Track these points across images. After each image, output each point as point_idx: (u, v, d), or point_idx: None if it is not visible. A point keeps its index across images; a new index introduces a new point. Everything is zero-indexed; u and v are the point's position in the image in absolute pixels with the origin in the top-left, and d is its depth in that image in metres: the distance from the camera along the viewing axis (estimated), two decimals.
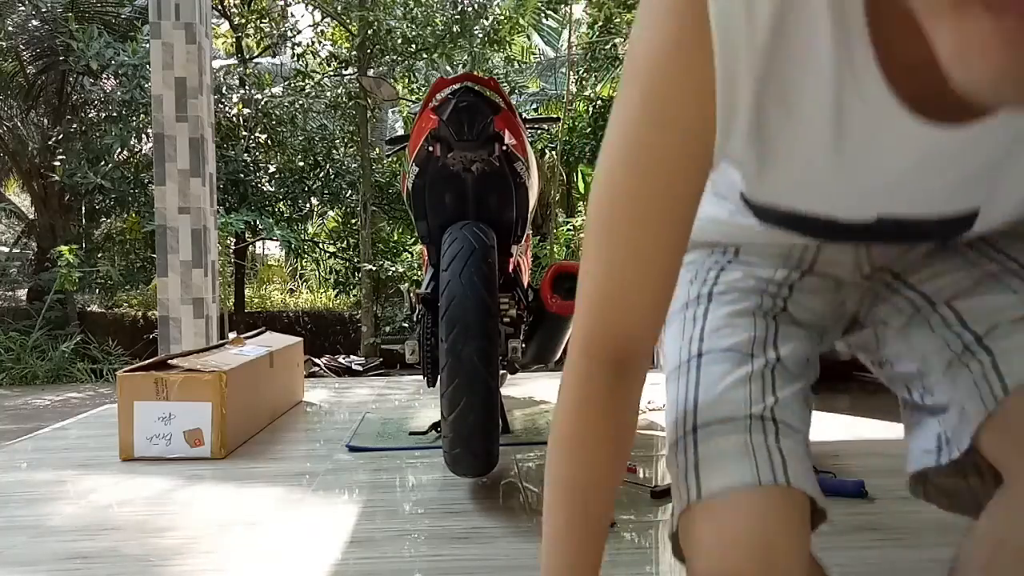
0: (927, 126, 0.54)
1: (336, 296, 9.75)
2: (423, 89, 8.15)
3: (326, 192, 8.62)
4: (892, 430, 2.42)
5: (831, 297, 0.87)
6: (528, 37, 10.08)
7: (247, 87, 8.15)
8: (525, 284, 2.39)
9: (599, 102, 8.59)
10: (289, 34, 8.54)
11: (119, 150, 7.81)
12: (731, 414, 0.73)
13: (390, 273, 8.01)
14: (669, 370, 0.82)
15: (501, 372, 2.17)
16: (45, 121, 8.85)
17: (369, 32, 7.74)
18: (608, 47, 8.60)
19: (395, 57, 8.10)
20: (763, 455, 0.69)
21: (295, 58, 8.58)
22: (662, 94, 0.58)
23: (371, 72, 8.00)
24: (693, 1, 0.54)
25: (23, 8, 8.20)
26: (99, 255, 9.09)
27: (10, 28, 8.22)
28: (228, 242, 7.94)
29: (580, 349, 0.69)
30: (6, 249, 9.88)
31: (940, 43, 0.41)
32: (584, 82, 9.32)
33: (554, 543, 0.72)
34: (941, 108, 0.53)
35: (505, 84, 8.04)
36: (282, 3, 8.71)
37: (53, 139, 8.37)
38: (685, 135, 0.59)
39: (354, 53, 8.24)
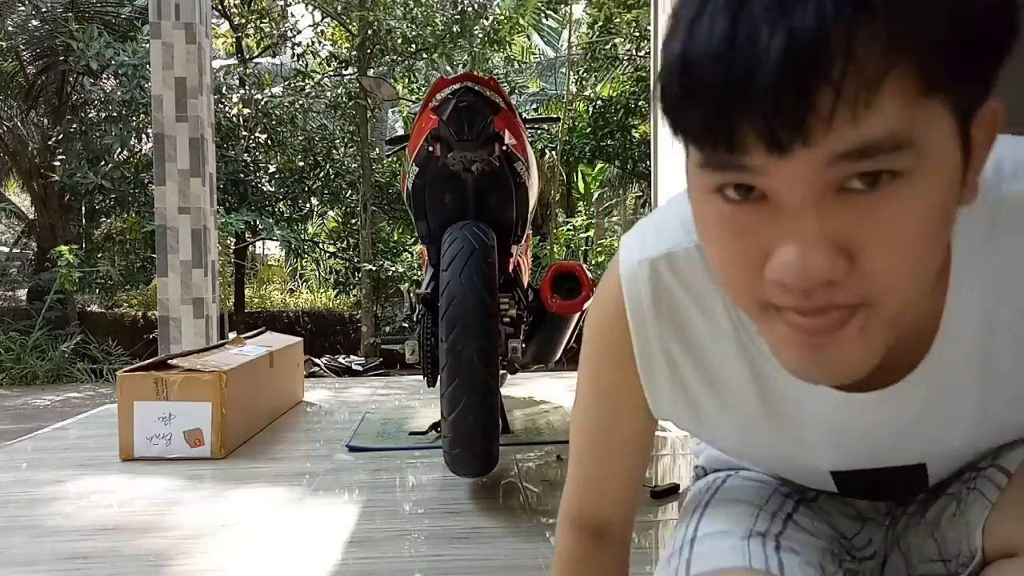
0: (841, 393, 0.61)
1: (336, 296, 9.75)
2: (423, 89, 8.15)
3: (326, 192, 8.62)
4: None
5: (850, 524, 0.83)
6: (528, 37, 10.08)
7: (247, 87, 8.15)
8: (525, 284, 2.39)
9: (599, 102, 8.59)
10: (289, 34, 8.54)
11: (119, 150, 7.82)
12: (729, 528, 0.74)
13: (390, 273, 8.02)
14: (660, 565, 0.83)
15: (501, 372, 2.17)
16: (45, 121, 8.85)
17: (369, 32, 7.75)
18: (608, 47, 8.61)
19: (395, 57, 8.10)
20: (758, 552, 0.70)
21: (295, 58, 8.58)
22: (603, 375, 0.73)
23: (371, 72, 8.00)
24: (616, 295, 0.67)
25: (23, 8, 8.20)
26: (99, 255, 9.09)
27: (10, 28, 8.22)
28: (228, 242, 7.94)
29: (566, 519, 0.82)
30: (6, 249, 9.88)
31: (765, 337, 0.50)
32: (584, 82, 9.32)
33: None
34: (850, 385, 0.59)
35: (505, 84, 8.04)
36: (282, 3, 8.71)
37: (53, 139, 8.37)
38: (621, 398, 0.73)
39: (354, 53, 8.25)
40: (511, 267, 2.28)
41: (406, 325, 7.79)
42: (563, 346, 2.56)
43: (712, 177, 0.46)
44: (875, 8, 0.39)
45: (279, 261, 11.94)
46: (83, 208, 9.16)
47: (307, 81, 8.34)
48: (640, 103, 8.14)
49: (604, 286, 0.71)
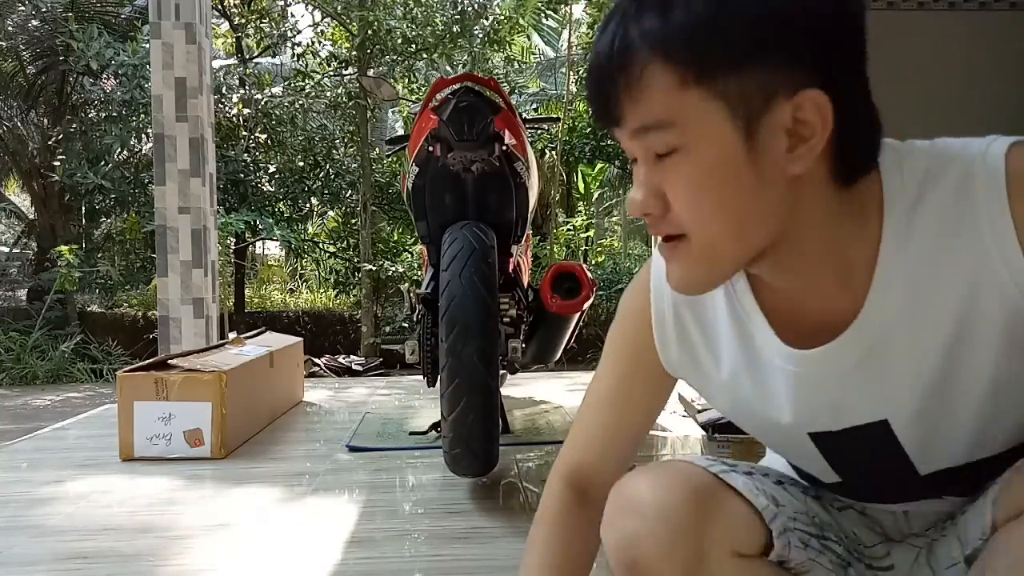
0: (793, 349, 0.71)
1: (336, 296, 9.75)
2: (423, 89, 8.14)
3: (326, 192, 8.61)
4: None
5: (870, 535, 0.85)
6: (528, 37, 10.07)
7: (247, 87, 8.15)
8: (525, 284, 2.39)
9: None
10: (289, 34, 8.53)
11: (119, 150, 7.81)
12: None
13: (390, 273, 8.01)
14: None
15: (501, 372, 2.17)
16: (45, 121, 8.84)
17: (369, 32, 7.74)
18: None
19: (395, 57, 8.10)
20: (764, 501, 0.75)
21: (295, 58, 8.58)
22: (624, 333, 0.86)
23: (371, 72, 8.00)
24: (646, 269, 0.83)
25: (23, 8, 8.20)
26: (99, 255, 9.09)
27: (10, 28, 8.22)
28: (228, 242, 7.93)
29: (556, 473, 0.91)
30: (6, 249, 9.88)
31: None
32: (584, 82, 9.32)
33: None
34: (800, 338, 0.71)
35: (505, 84, 8.04)
36: (282, 3, 8.71)
37: (53, 139, 8.37)
38: (636, 351, 0.84)
39: (354, 53, 8.24)
40: (511, 267, 2.28)
41: (406, 325, 7.78)
42: (563, 346, 2.56)
43: None
44: (637, 38, 0.59)
45: (279, 261, 11.93)
46: (83, 208, 9.15)
47: (307, 81, 8.34)
48: None
49: (644, 267, 0.86)
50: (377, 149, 8.66)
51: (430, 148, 2.10)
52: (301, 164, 8.34)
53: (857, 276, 0.65)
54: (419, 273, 7.74)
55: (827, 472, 0.81)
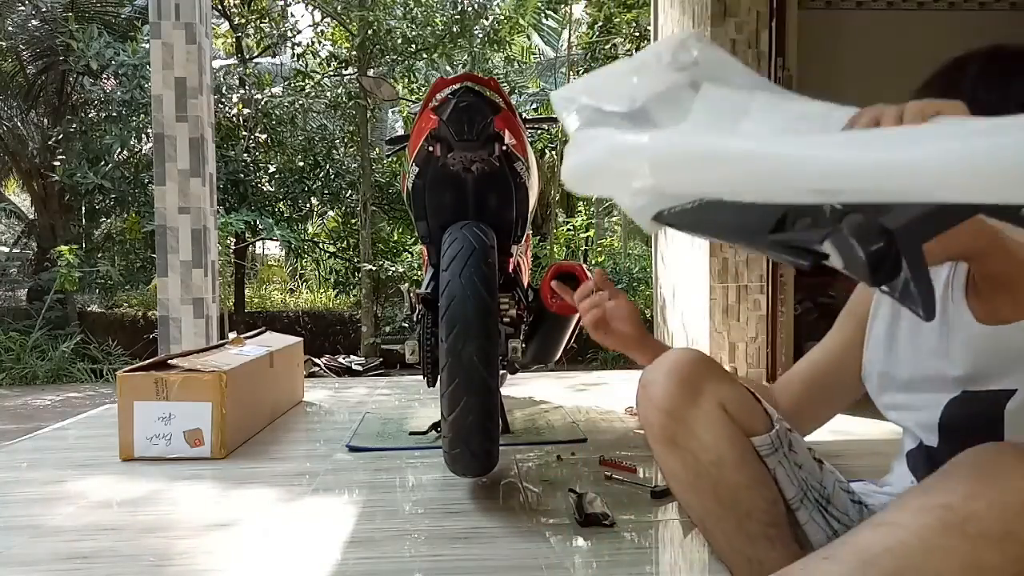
0: (978, 324, 0.96)
1: (336, 296, 9.75)
2: (423, 89, 8.15)
3: (326, 192, 8.61)
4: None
5: None
6: (528, 37, 10.08)
7: (247, 87, 8.14)
8: (525, 284, 2.39)
9: None
10: (289, 34, 8.53)
11: (119, 150, 7.81)
12: None
13: (390, 273, 8.01)
14: None
15: (501, 372, 2.17)
16: (45, 121, 8.85)
17: (369, 32, 7.74)
18: (608, 47, 8.61)
19: (395, 57, 8.10)
20: None
21: (295, 58, 8.58)
22: (854, 299, 1.18)
23: (371, 72, 8.00)
24: None
25: (23, 8, 8.20)
26: (99, 255, 9.09)
27: (10, 28, 8.22)
28: (228, 242, 7.93)
29: None
30: (6, 249, 9.88)
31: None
32: None
33: None
34: (985, 317, 0.96)
35: (505, 84, 8.04)
36: (282, 3, 8.71)
37: (53, 139, 8.37)
38: (855, 313, 1.16)
39: (354, 53, 8.24)
40: (511, 267, 2.28)
41: (406, 325, 7.78)
42: (563, 346, 2.56)
43: None
44: None
45: (279, 261, 11.93)
46: (83, 208, 9.15)
47: (307, 81, 8.34)
48: None
49: None
50: (377, 149, 8.66)
51: (430, 148, 2.10)
52: (301, 164, 8.34)
53: None
54: (419, 273, 7.74)
55: (931, 427, 1.01)
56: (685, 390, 1.00)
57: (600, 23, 8.72)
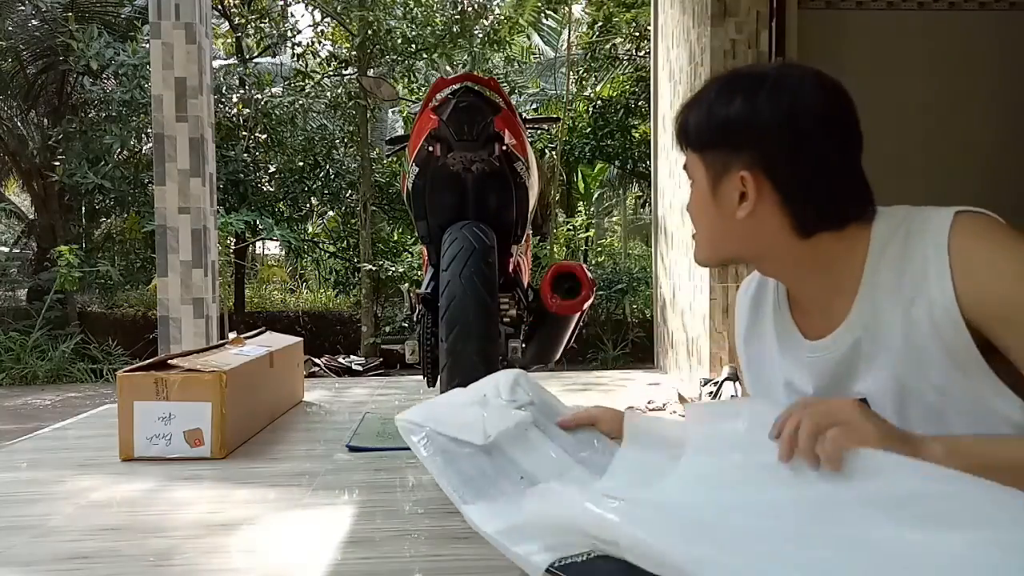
0: (806, 340, 0.96)
1: (336, 296, 9.75)
2: (423, 89, 8.14)
3: (326, 192, 8.61)
4: None
5: None
6: (528, 37, 10.08)
7: (247, 87, 8.14)
8: (525, 284, 2.39)
9: (599, 102, 8.59)
10: (289, 34, 8.53)
11: (119, 150, 7.81)
12: None
13: (390, 273, 8.01)
14: None
15: None
16: (45, 121, 8.85)
17: (369, 32, 7.75)
18: (608, 47, 8.60)
19: (395, 57, 8.10)
20: None
21: (295, 58, 8.57)
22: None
23: (371, 72, 8.00)
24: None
25: (23, 8, 8.20)
26: (99, 255, 9.08)
27: (10, 28, 8.22)
28: (228, 242, 7.94)
29: None
30: (6, 249, 9.88)
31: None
32: (584, 82, 9.31)
33: None
34: (812, 334, 0.96)
35: (505, 84, 8.04)
36: (282, 3, 8.71)
37: (53, 139, 8.37)
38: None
39: (354, 53, 8.24)
40: (511, 267, 2.28)
41: (406, 325, 7.79)
42: (563, 346, 2.56)
43: None
44: (682, 127, 0.95)
45: (279, 261, 11.94)
46: (83, 208, 9.16)
47: (307, 81, 8.34)
48: (640, 103, 8.13)
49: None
50: (377, 149, 8.66)
51: (430, 148, 2.10)
52: (301, 164, 8.34)
53: (847, 291, 0.90)
54: (419, 273, 7.73)
55: None
56: None
57: (600, 23, 8.72)
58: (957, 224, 0.84)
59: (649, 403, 3.14)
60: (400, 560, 1.58)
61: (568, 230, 9.23)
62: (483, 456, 0.94)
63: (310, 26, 8.61)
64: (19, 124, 8.85)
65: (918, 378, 0.86)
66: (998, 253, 0.82)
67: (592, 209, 10.83)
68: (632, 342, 7.60)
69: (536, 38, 10.55)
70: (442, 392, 1.83)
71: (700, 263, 1.01)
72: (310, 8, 8.48)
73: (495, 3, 8.54)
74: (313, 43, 8.44)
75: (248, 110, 8.03)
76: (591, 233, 10.14)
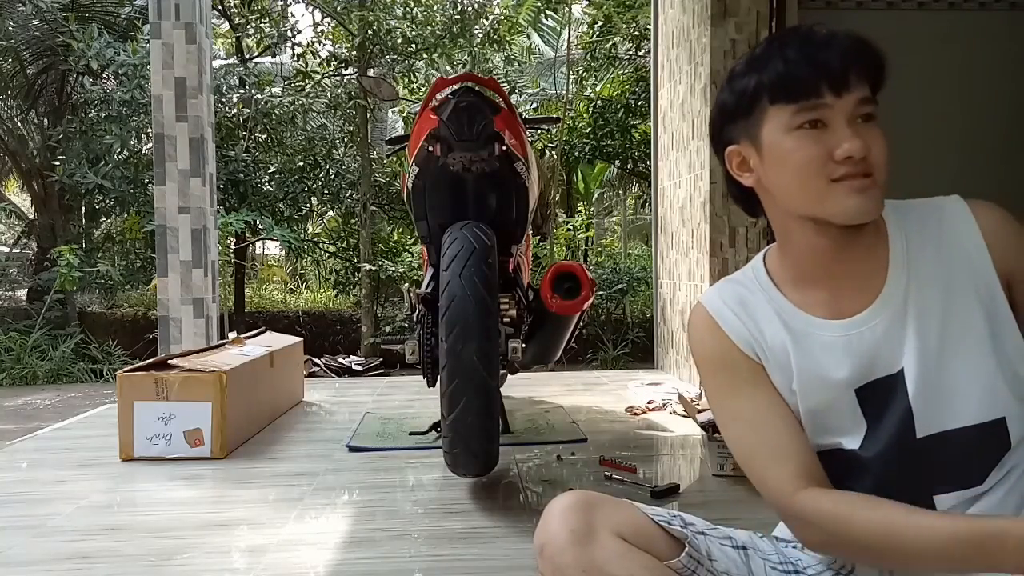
0: (836, 321, 0.97)
1: (336, 296, 9.75)
2: (423, 89, 8.15)
3: (326, 192, 8.61)
4: None
5: None
6: (528, 37, 10.08)
7: (247, 87, 8.14)
8: (525, 284, 2.39)
9: (599, 102, 8.58)
10: (289, 34, 8.53)
11: (119, 150, 7.81)
12: None
13: (390, 273, 8.01)
14: None
15: (501, 372, 2.17)
16: (45, 121, 8.85)
17: (369, 32, 7.75)
18: (608, 47, 8.60)
19: (395, 57, 8.10)
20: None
21: (295, 58, 8.57)
22: (716, 357, 1.04)
23: (371, 72, 8.00)
24: (702, 317, 1.05)
25: (23, 8, 8.20)
26: (99, 255, 9.09)
27: (10, 28, 8.22)
28: (228, 242, 7.93)
29: (793, 492, 0.94)
30: (6, 249, 9.88)
31: (828, 204, 0.91)
32: (584, 82, 9.31)
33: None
34: (838, 313, 0.97)
35: (505, 84, 8.04)
36: (282, 3, 8.71)
37: (53, 139, 8.37)
38: (738, 371, 1.02)
39: (354, 53, 8.24)
40: (511, 267, 2.28)
41: (406, 325, 7.78)
42: (563, 346, 2.56)
43: (798, 117, 0.91)
44: (855, 55, 0.91)
45: (279, 261, 11.94)
46: (83, 208, 9.16)
47: (307, 81, 8.34)
48: (640, 103, 8.13)
49: (691, 321, 1.05)
50: (377, 149, 8.66)
51: (430, 148, 2.10)
52: (301, 164, 8.34)
53: (879, 266, 0.95)
54: (419, 273, 7.73)
55: (858, 423, 0.97)
56: (579, 535, 0.91)
57: (600, 23, 8.71)
58: (972, 206, 0.96)
59: (649, 403, 3.14)
60: (400, 560, 1.58)
61: (568, 230, 9.23)
62: None
63: (310, 26, 8.62)
64: (19, 124, 8.85)
65: (958, 342, 0.91)
66: (1016, 225, 0.95)
67: (592, 209, 10.83)
68: (632, 342, 7.60)
69: (536, 38, 10.55)
70: (442, 392, 1.83)
71: (878, 211, 0.93)
72: (310, 8, 8.49)
73: (495, 3, 8.53)
74: (313, 43, 8.44)
75: (248, 110, 8.03)
76: (591, 233, 10.13)
